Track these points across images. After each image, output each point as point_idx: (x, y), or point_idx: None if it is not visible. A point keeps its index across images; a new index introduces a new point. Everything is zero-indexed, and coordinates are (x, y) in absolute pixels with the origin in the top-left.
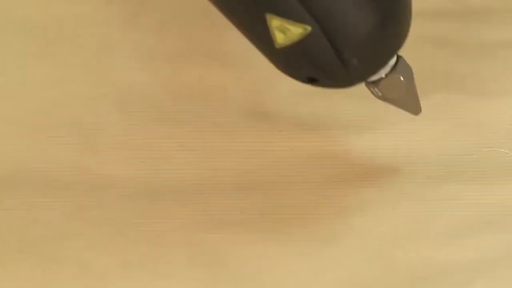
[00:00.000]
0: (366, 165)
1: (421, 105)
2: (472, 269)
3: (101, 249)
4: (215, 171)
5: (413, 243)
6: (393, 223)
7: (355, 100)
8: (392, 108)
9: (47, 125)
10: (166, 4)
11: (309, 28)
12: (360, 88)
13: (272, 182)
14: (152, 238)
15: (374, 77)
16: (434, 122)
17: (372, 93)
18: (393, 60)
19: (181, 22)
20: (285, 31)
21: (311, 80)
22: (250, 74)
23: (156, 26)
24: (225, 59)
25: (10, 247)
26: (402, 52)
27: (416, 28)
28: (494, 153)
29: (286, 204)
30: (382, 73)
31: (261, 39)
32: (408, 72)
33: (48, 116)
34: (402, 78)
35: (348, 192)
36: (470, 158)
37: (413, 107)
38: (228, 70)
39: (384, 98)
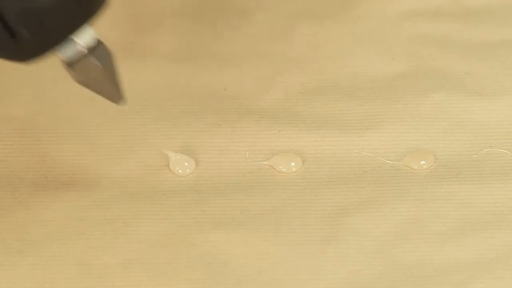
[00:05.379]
0: (366, 165)
1: (420, 105)
2: (471, 269)
3: (101, 249)
4: (215, 171)
5: (413, 243)
6: (393, 223)
7: (355, 100)
8: (392, 108)
9: (47, 125)
10: (166, 4)
11: None
12: (360, 88)
13: (272, 182)
14: (152, 238)
15: (68, 58)
16: (434, 122)
17: (72, 76)
18: (89, 42)
19: (181, 22)
20: None
21: None
22: (250, 74)
23: (156, 26)
24: (225, 59)
25: (10, 247)
26: (402, 51)
27: (416, 28)
28: (494, 153)
29: (286, 204)
30: (77, 54)
31: None
32: (107, 58)
33: (48, 116)
34: (98, 63)
35: (348, 192)
36: (470, 158)
37: (114, 95)
38: (228, 70)
39: (81, 81)
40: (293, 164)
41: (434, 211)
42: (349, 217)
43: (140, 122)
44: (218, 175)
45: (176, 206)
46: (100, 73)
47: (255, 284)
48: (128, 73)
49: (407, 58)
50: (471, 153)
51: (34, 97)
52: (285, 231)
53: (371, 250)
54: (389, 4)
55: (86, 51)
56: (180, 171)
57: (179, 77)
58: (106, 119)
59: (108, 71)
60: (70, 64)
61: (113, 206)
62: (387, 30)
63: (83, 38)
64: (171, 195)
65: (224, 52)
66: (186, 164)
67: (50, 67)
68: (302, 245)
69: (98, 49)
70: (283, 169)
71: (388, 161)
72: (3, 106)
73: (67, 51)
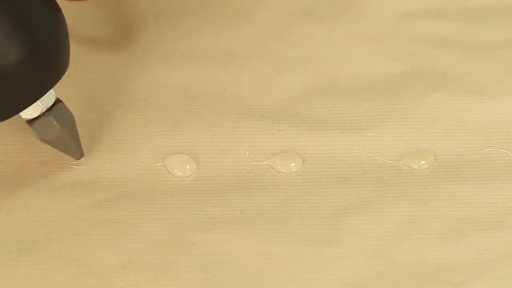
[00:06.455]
0: (366, 165)
1: (420, 105)
2: (471, 269)
3: (101, 249)
4: (215, 171)
5: (413, 243)
6: (393, 223)
7: (355, 100)
8: (392, 108)
9: None
10: (165, 4)
11: None
12: (360, 88)
13: (272, 182)
14: (152, 238)
15: (27, 116)
16: (434, 122)
17: (32, 133)
18: (49, 102)
19: (181, 22)
20: None
21: None
22: (250, 74)
23: (156, 26)
24: (225, 59)
25: (10, 247)
26: (402, 51)
27: (416, 28)
28: (494, 153)
29: (286, 204)
30: (35, 113)
31: None
32: (66, 117)
33: None
34: (55, 122)
35: (348, 192)
36: (470, 158)
37: (74, 152)
38: (228, 70)
39: (42, 139)
40: (293, 164)
41: (434, 211)
42: (349, 217)
43: (140, 122)
44: (218, 175)
45: (176, 206)
46: (58, 132)
47: (255, 284)
48: (128, 73)
49: (407, 58)
50: (471, 153)
51: None
52: (285, 231)
53: (371, 250)
54: (389, 4)
55: (45, 111)
56: (179, 173)
57: (179, 77)
58: (106, 119)
59: (67, 130)
60: (30, 122)
61: (113, 206)
62: (387, 30)
63: (43, 98)
64: (171, 195)
65: (224, 52)
66: (187, 167)
67: None
68: (302, 245)
69: (56, 109)
70: (283, 169)
71: (388, 161)
72: None
73: (27, 110)
